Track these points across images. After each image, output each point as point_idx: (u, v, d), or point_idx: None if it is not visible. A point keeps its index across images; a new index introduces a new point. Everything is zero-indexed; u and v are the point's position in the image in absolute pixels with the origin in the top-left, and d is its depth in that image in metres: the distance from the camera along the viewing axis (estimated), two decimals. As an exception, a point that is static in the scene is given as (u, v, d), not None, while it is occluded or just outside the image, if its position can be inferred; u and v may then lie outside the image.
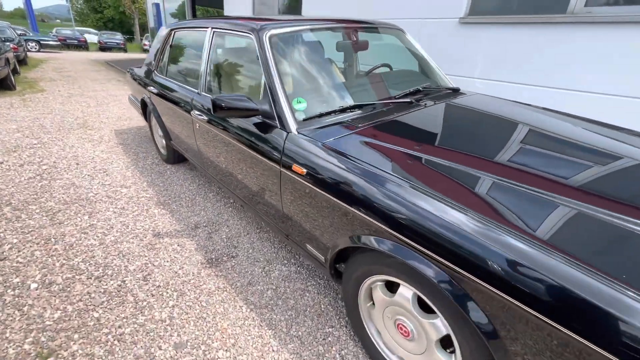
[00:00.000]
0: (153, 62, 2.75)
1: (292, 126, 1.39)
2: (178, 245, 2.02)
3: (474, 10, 3.25)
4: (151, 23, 13.72)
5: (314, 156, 1.24)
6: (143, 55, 17.54)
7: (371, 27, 2.03)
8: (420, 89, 1.82)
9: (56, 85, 6.97)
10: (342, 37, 1.92)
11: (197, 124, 2.01)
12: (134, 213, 2.35)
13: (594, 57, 2.57)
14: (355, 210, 1.10)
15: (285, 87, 1.46)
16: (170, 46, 2.48)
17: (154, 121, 3.13)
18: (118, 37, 21.26)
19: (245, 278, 1.79)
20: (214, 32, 1.94)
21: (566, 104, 2.71)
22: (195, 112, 1.98)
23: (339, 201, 1.15)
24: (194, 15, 9.19)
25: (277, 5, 5.96)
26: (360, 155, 1.18)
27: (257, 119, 1.55)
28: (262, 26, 1.59)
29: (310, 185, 1.25)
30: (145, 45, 21.21)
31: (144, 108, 3.19)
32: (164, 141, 3.05)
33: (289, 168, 1.33)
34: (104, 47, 20.41)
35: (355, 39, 1.89)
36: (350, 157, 1.18)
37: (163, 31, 2.65)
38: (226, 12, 7.25)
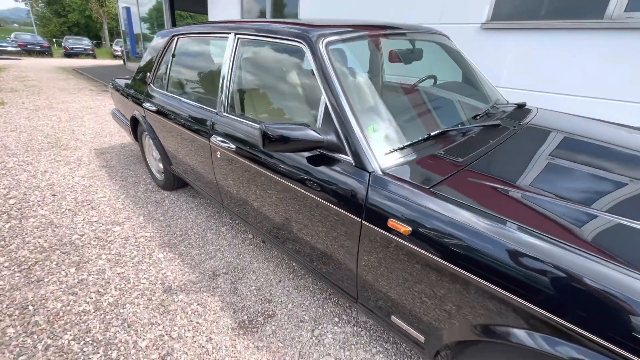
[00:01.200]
0: (148, 74, 2.32)
1: (374, 164, 1.05)
2: (198, 304, 1.62)
3: (497, 15, 3.05)
4: (123, 27, 12.92)
5: (425, 209, 0.91)
6: (114, 62, 16.54)
7: (416, 33, 1.73)
8: (496, 106, 1.54)
9: (19, 97, 6.22)
10: (392, 45, 1.61)
11: (218, 152, 1.62)
12: (133, 260, 1.91)
13: (635, 65, 2.41)
14: (502, 292, 0.78)
15: (357, 111, 1.12)
16: (173, 55, 2.07)
17: (147, 142, 2.68)
18: (85, 42, 20.00)
19: (294, 348, 1.42)
20: (238, 38, 1.57)
21: (601, 115, 2.54)
22: (216, 138, 1.59)
23: (472, 276, 0.82)
24: (173, 21, 8.64)
25: (269, 12, 5.61)
26: (495, 207, 0.86)
27: (313, 151, 1.20)
28: (315, 31, 1.25)
29: (419, 250, 0.91)
30: (115, 51, 20.10)
31: (134, 126, 2.74)
32: (161, 165, 2.61)
33: (380, 223, 0.98)
34: (69, 53, 19.12)
35: (412, 47, 1.58)
36: (481, 209, 0.85)
37: (160, 38, 2.23)
38: (211, 18, 6.81)
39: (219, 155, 1.64)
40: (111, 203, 2.51)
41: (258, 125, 1.42)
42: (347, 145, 1.10)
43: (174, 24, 8.57)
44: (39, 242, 2.01)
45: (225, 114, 1.62)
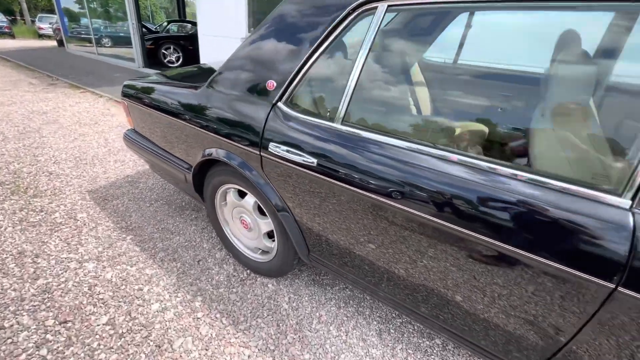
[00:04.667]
0: (269, 83, 1.12)
1: None
2: None
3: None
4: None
5: None
6: (44, 43, 13.39)
7: None
8: None
9: None
10: None
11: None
12: None
13: None
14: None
15: None
16: (370, 49, 0.91)
17: (234, 200, 1.50)
18: (-2, 19, 16.09)
19: None
20: None
21: None
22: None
23: None
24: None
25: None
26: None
27: None
28: None
29: None
30: (40, 29, 16.48)
31: (202, 172, 1.53)
32: (268, 243, 1.48)
33: None
34: (-23, 32, 15.26)
35: None
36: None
37: (307, 4, 1.04)
38: (200, 11, 5.21)
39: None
40: (188, 328, 1.34)
41: None
42: None
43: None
44: None
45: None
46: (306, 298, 1.51)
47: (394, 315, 1.46)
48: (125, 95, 1.83)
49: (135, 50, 7.05)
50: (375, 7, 0.90)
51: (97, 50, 8.62)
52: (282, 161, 1.09)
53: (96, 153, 2.95)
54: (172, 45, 7.74)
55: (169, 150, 1.67)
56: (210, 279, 1.59)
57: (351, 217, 1.01)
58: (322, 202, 1.07)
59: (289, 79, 1.06)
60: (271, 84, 1.11)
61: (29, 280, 1.51)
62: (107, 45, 8.70)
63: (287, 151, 1.06)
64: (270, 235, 1.49)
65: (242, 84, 1.20)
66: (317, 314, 1.43)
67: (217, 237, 1.89)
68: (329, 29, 0.96)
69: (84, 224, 1.94)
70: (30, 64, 7.44)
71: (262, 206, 1.34)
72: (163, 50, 7.68)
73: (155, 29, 10.03)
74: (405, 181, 0.86)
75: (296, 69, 1.04)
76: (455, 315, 0.95)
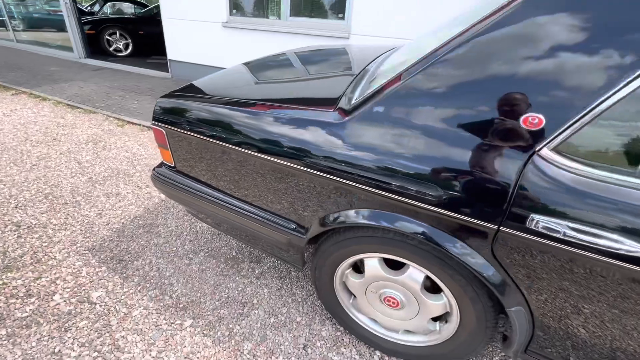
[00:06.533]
0: (543, 121, 0.64)
1: None
2: None
3: None
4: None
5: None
6: None
7: None
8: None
9: None
10: None
11: None
12: None
13: None
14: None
15: None
16: None
17: (380, 275, 1.03)
18: None
19: None
20: None
21: None
22: None
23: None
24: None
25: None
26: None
27: None
28: None
29: None
30: None
31: (315, 240, 1.05)
32: (434, 327, 1.06)
33: None
34: None
35: None
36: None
37: None
38: None
39: None
40: None
41: None
42: None
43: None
44: None
45: None
46: (474, 385, 1.15)
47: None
48: (161, 120, 1.22)
49: (72, 37, 5.74)
50: None
51: (15, 36, 6.92)
52: (554, 244, 0.68)
53: (74, 185, 2.18)
54: (118, 31, 6.48)
55: (254, 202, 1.14)
56: (337, 379, 1.14)
57: None
58: (617, 299, 0.69)
59: (583, 112, 0.63)
60: (534, 120, 0.67)
61: None
62: (17, 29, 6.96)
63: (578, 231, 0.65)
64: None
65: (454, 114, 0.74)
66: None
67: (308, 303, 1.42)
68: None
69: (109, 310, 1.33)
70: None
71: (451, 292, 0.91)
72: (107, 37, 6.40)
73: (87, 9, 8.40)
74: None
75: (603, 97, 0.61)
76: None
